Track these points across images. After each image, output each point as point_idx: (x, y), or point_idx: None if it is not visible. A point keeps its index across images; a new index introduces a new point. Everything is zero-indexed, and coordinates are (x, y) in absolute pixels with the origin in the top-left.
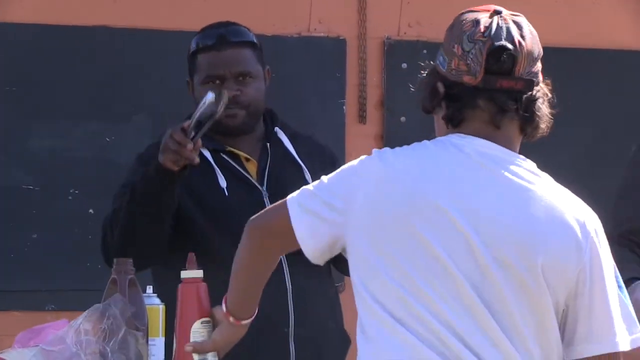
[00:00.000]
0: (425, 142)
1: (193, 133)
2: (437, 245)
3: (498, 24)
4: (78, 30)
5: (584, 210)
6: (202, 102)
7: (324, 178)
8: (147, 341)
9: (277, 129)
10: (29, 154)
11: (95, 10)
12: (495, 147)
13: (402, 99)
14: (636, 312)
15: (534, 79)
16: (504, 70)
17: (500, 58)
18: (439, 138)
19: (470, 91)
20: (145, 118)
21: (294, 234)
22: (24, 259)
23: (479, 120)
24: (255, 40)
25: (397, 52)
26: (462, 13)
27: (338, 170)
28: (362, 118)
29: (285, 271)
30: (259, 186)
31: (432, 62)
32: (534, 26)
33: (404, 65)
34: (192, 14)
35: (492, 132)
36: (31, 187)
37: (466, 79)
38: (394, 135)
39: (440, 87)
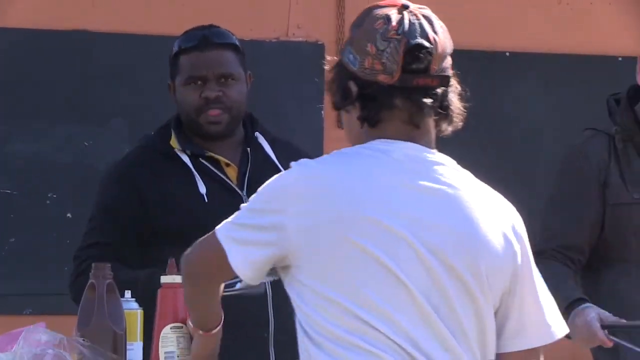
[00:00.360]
0: (348, 150)
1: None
2: (384, 256)
3: (410, 20)
4: (56, 35)
5: (510, 208)
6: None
7: (243, 206)
8: (125, 346)
9: (257, 134)
10: (6, 159)
11: (73, 15)
12: (421, 149)
13: None
14: (584, 334)
15: (448, 75)
16: (421, 68)
17: (418, 56)
18: (364, 145)
19: (386, 90)
20: (123, 122)
21: (230, 266)
22: (2, 263)
23: (398, 120)
24: (237, 44)
25: None
26: (369, 9)
27: (259, 192)
28: (340, 123)
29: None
30: (239, 191)
31: (335, 58)
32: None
33: None
34: (171, 19)
35: (412, 132)
36: (9, 191)
37: (381, 78)
38: None
39: (353, 87)
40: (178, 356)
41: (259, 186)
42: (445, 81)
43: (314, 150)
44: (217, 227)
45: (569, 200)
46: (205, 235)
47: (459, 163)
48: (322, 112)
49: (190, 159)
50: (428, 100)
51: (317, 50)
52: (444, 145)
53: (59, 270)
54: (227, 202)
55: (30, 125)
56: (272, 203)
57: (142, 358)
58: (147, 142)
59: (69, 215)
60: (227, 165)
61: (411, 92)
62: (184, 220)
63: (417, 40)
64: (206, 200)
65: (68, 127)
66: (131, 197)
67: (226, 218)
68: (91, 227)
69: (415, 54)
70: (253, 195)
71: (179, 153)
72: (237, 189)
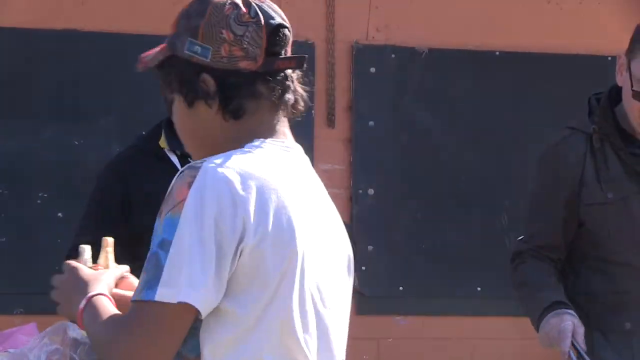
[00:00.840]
0: (261, 156)
1: None
2: (312, 291)
3: (255, 3)
4: (46, 34)
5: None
6: None
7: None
8: None
9: None
10: None
11: (63, 14)
12: (296, 146)
13: (371, 103)
14: (552, 335)
15: (304, 55)
16: (280, 50)
17: (281, 37)
18: (264, 147)
19: (249, 77)
20: (113, 121)
21: (196, 312)
22: None
23: (264, 110)
24: None
25: (365, 56)
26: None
27: (186, 222)
28: (330, 122)
29: None
30: None
31: (170, 57)
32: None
33: (373, 70)
34: (161, 18)
35: (280, 123)
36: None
37: (244, 64)
38: (362, 139)
39: (209, 79)
40: None
41: None
42: (300, 63)
43: (304, 149)
44: (139, 297)
45: (544, 200)
46: (126, 322)
47: (448, 162)
48: (313, 111)
49: (179, 159)
50: (290, 84)
51: (307, 49)
52: (436, 144)
53: (50, 270)
54: None
55: (20, 124)
56: (209, 232)
57: None
58: (139, 141)
59: (59, 214)
60: None
61: (274, 76)
62: None
63: (277, 20)
64: None
65: (58, 126)
66: (120, 189)
67: None
68: (82, 225)
69: (278, 35)
70: (183, 228)
71: (168, 153)
72: None
